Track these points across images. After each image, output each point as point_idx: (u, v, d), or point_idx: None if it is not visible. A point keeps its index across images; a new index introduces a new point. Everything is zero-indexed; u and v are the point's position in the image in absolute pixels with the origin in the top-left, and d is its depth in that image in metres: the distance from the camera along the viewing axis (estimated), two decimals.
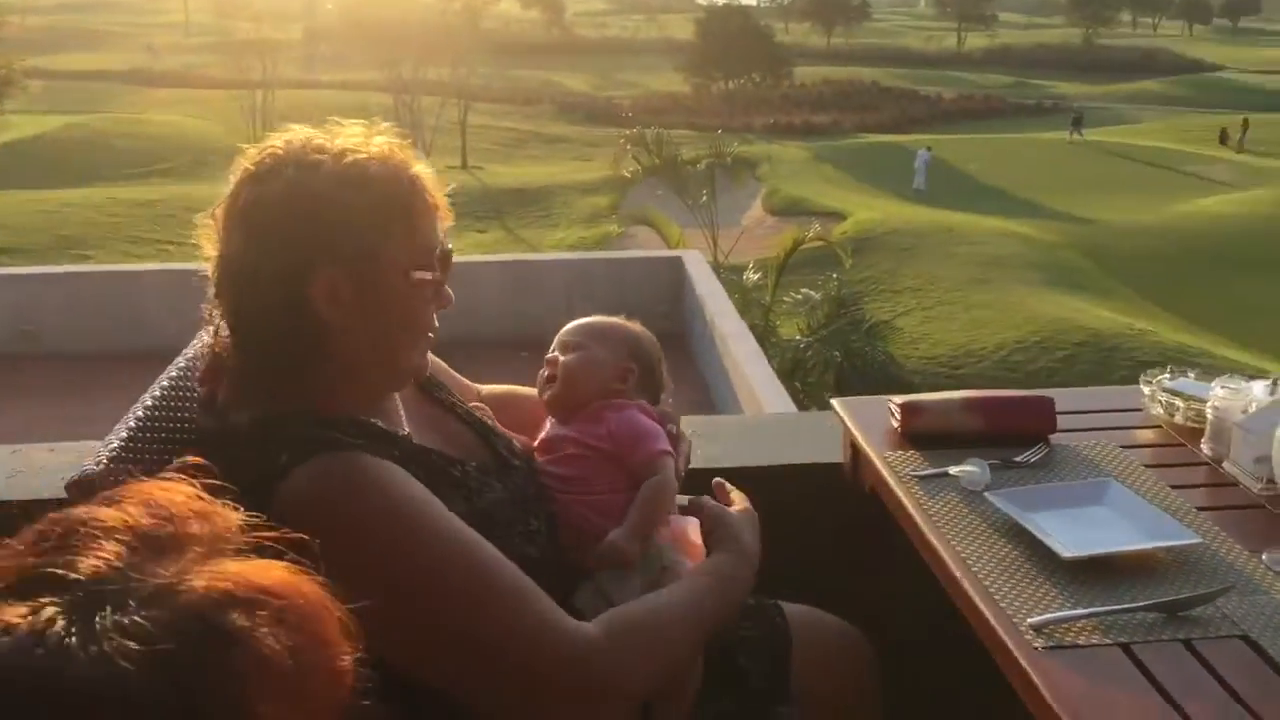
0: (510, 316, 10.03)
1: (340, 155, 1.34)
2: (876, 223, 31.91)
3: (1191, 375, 2.01)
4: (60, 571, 0.56)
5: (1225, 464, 1.79)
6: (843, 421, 2.03)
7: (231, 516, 0.64)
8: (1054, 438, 1.89)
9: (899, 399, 1.93)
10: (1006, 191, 39.18)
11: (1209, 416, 1.84)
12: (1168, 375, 2.00)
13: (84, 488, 1.33)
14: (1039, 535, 1.56)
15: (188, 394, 1.51)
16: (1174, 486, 1.75)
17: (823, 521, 2.08)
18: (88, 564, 0.56)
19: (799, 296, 15.94)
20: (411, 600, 1.26)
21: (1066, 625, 1.41)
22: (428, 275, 1.41)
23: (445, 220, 1.42)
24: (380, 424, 1.39)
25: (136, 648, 0.52)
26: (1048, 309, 24.96)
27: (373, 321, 1.38)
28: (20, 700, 0.50)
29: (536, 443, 1.66)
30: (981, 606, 1.47)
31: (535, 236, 32.28)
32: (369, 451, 1.30)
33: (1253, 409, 1.79)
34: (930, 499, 1.72)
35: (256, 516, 1.13)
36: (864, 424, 1.98)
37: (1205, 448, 1.84)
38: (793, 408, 8.55)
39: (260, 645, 0.55)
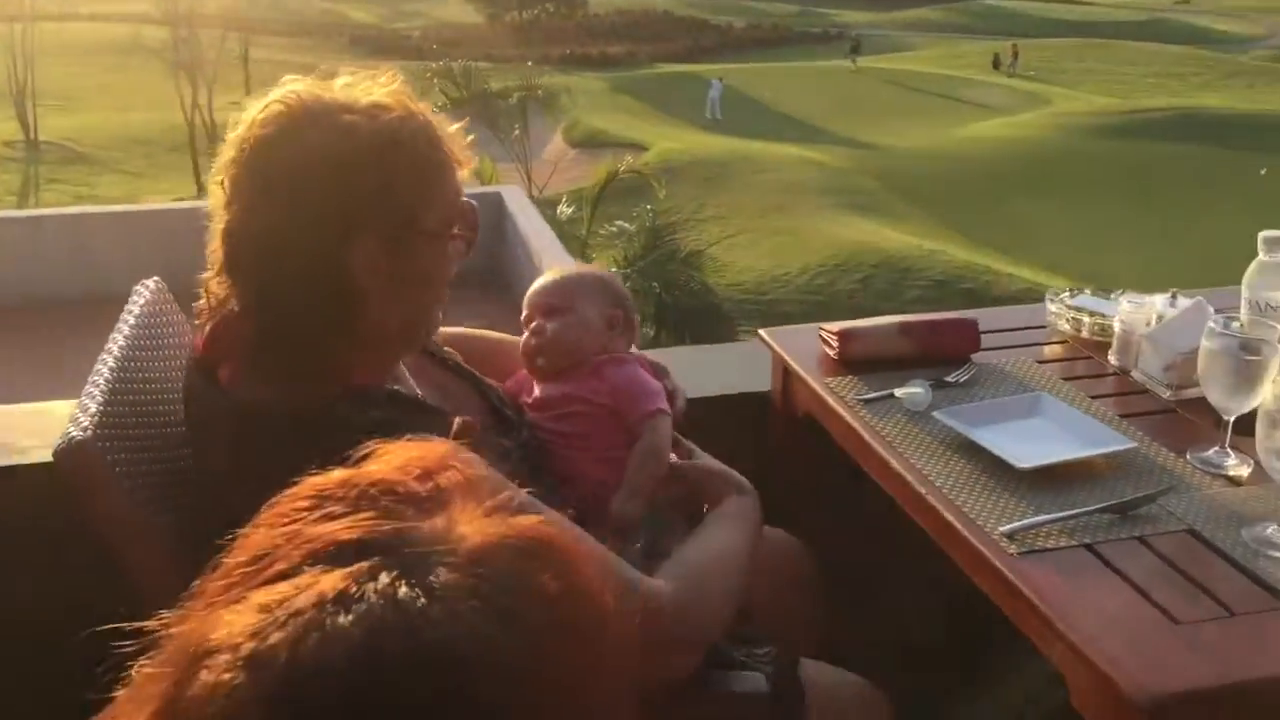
0: None
1: (372, 115, 1.27)
2: (678, 153, 32.22)
3: (1088, 291, 2.15)
4: (377, 536, 0.54)
5: (1134, 373, 1.93)
6: (771, 351, 2.09)
7: (483, 470, 0.63)
8: (976, 357, 1.99)
9: (832, 326, 2.00)
10: (798, 119, 40.14)
11: (1116, 330, 1.97)
12: (1068, 293, 2.13)
13: (74, 455, 1.25)
14: (992, 449, 1.66)
15: (151, 354, 1.44)
16: (1092, 396, 1.89)
17: (756, 448, 2.14)
18: (392, 526, 0.54)
19: (614, 229, 16.03)
20: None
21: (1034, 531, 1.50)
22: (461, 234, 1.38)
23: (466, 170, 1.38)
24: (404, 392, 1.36)
25: (478, 605, 0.51)
26: (845, 233, 25.85)
27: (407, 287, 1.33)
28: (395, 670, 0.48)
29: (531, 400, 1.64)
30: (952, 519, 1.55)
31: None
32: (410, 429, 1.25)
33: (1155, 321, 1.94)
34: (879, 421, 1.80)
35: None
36: (794, 352, 2.04)
37: (1113, 359, 1.98)
38: None
39: (558, 593, 0.55)
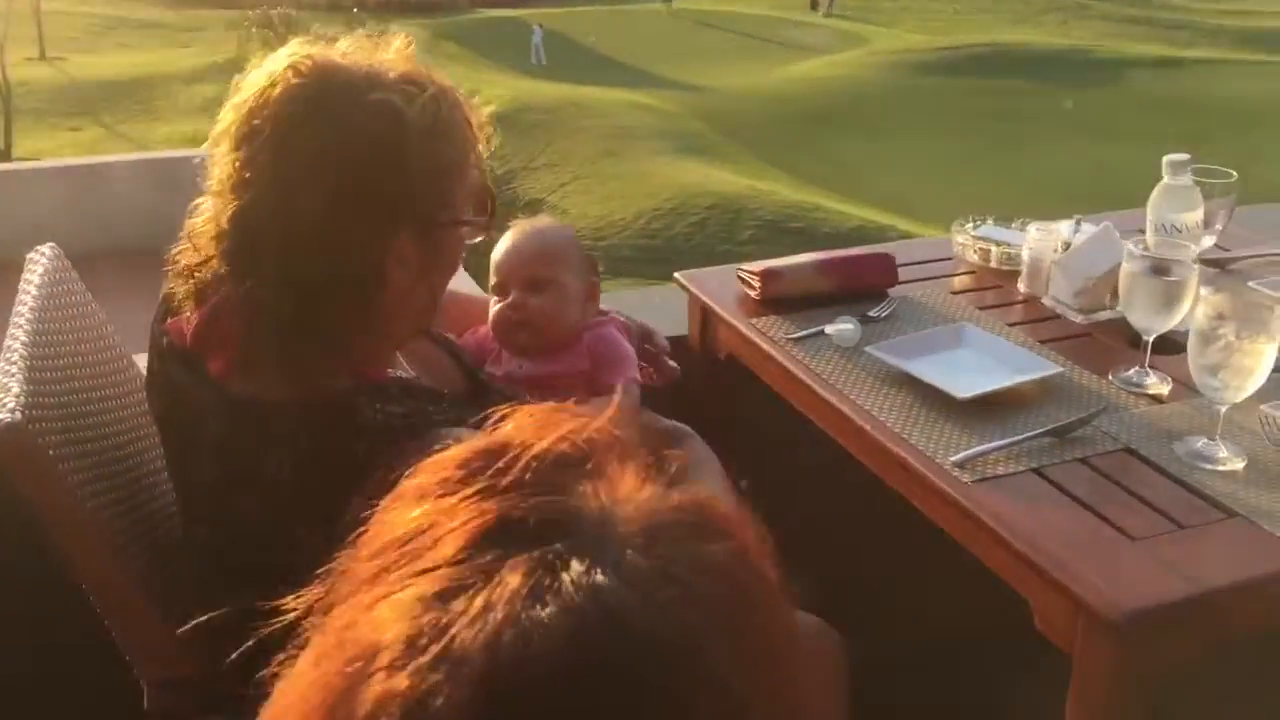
0: (152, 220, 9.28)
1: (408, 94, 1.17)
2: (508, 100, 31.76)
3: (990, 221, 2.19)
4: (548, 513, 0.48)
5: (1045, 299, 1.98)
6: (689, 293, 2.06)
7: (624, 429, 0.57)
8: (891, 291, 2.01)
9: (752, 266, 1.98)
10: (624, 63, 40.04)
11: (1024, 258, 2.01)
12: (972, 224, 2.17)
13: (6, 439, 1.14)
14: (930, 381, 1.67)
15: (62, 331, 1.32)
16: (1009, 324, 1.92)
17: (675, 393, 2.12)
18: (559, 500, 0.49)
19: None
20: None
21: (983, 459, 1.53)
22: (483, 219, 1.31)
23: (486, 147, 1.28)
24: (411, 379, 1.28)
25: (675, 592, 0.46)
26: (677, 176, 26.00)
27: (429, 275, 1.26)
28: (606, 668, 0.43)
29: (503, 373, 1.57)
30: (901, 453, 1.56)
31: (141, 132, 29.69)
32: (439, 421, 1.18)
33: (1061, 248, 1.99)
34: (811, 359, 1.79)
35: None
36: (713, 294, 2.02)
37: (1022, 286, 2.03)
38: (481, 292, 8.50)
39: (729, 564, 0.51)
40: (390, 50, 1.22)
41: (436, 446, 1.10)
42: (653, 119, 31.22)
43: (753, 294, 1.96)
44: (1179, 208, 1.89)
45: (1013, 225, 2.17)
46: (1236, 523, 1.41)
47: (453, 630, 0.44)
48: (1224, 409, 1.53)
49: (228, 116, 1.18)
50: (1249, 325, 1.45)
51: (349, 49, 1.21)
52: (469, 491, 0.50)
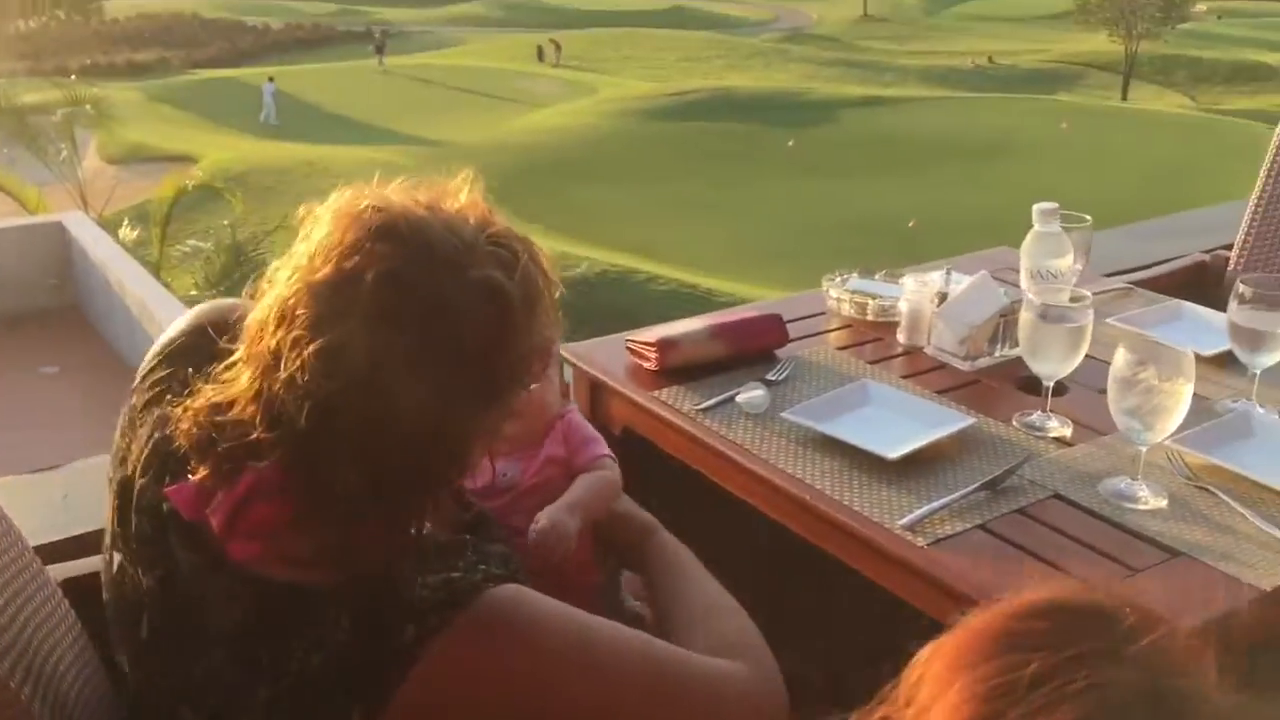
0: None
1: (503, 262, 1.06)
2: (233, 162, 30.71)
3: (855, 275, 2.21)
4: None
5: (927, 349, 2.01)
6: (574, 367, 1.98)
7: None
8: (779, 351, 1.99)
9: (643, 335, 1.92)
10: (356, 120, 39.46)
11: (903, 309, 2.04)
12: (840, 278, 2.19)
13: None
14: (855, 443, 1.65)
15: None
16: (903, 377, 1.94)
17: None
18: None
19: (188, 249, 14.91)
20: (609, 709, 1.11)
21: (929, 520, 1.52)
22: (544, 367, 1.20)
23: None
24: (430, 532, 1.12)
25: None
26: None
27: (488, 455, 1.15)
28: None
29: (497, 487, 1.43)
30: (847, 519, 1.53)
31: None
32: (479, 582, 1.07)
33: (934, 300, 2.02)
34: (726, 428, 1.75)
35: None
36: (602, 367, 1.95)
37: (901, 337, 2.05)
38: None
39: None
40: (457, 195, 1.10)
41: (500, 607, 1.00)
42: (393, 175, 30.82)
43: (647, 365, 1.90)
44: (1051, 254, 1.96)
45: (876, 277, 2.21)
46: (1181, 561, 1.45)
47: None
48: (1144, 449, 1.57)
49: (296, 278, 1.02)
50: (1166, 369, 1.51)
51: (416, 193, 1.08)
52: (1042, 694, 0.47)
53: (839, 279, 2.18)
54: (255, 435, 1.02)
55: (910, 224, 24.50)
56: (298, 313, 1.00)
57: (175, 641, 1.10)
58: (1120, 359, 1.54)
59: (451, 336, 1.02)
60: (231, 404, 1.04)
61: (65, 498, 1.94)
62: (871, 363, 1.99)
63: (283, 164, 30.55)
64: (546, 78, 48.32)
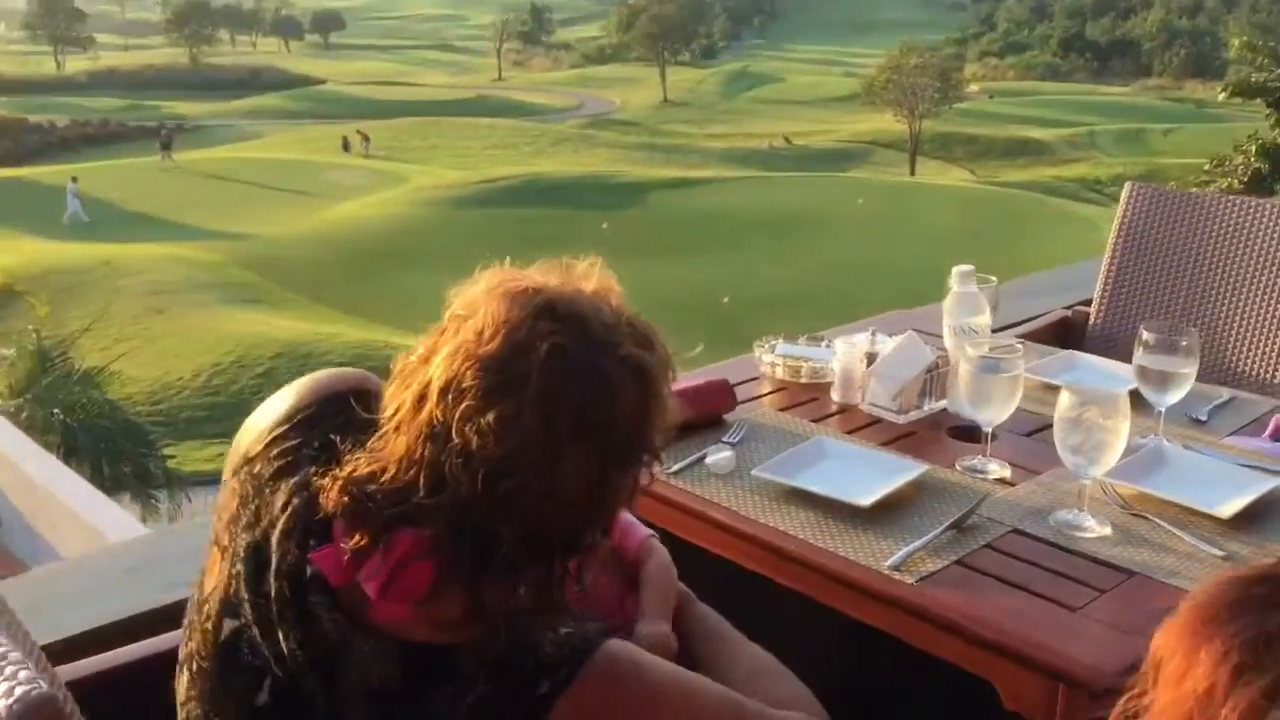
0: None
1: (642, 344, 1.15)
2: (25, 266, 29.35)
3: (781, 340, 2.35)
4: None
5: (862, 406, 2.15)
6: None
7: None
8: (728, 416, 2.10)
9: None
10: (155, 217, 38.24)
11: (836, 370, 2.18)
12: (769, 344, 2.32)
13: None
14: (827, 494, 1.77)
15: None
16: (847, 432, 2.07)
17: None
18: None
19: None
20: None
21: (911, 560, 1.64)
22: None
23: None
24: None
25: None
26: (234, 328, 25.08)
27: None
28: None
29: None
30: (837, 566, 1.64)
31: None
32: (594, 632, 1.14)
33: (864, 359, 2.17)
34: (700, 488, 1.84)
35: None
36: None
37: (836, 395, 2.19)
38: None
39: None
40: (589, 277, 1.18)
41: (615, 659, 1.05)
42: (198, 272, 29.94)
43: None
44: (970, 312, 2.14)
45: (800, 341, 2.35)
46: (1136, 580, 1.61)
47: None
48: (1088, 482, 1.74)
49: (457, 353, 1.09)
50: (1107, 409, 1.68)
51: (555, 275, 1.16)
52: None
53: (768, 345, 2.31)
54: (416, 500, 1.06)
55: (725, 300, 25.27)
56: (465, 385, 1.06)
57: (301, 708, 1.11)
58: (1064, 401, 1.70)
59: (608, 409, 1.10)
60: (384, 471, 1.07)
61: None
62: (814, 421, 2.11)
63: (81, 264, 29.33)
64: (354, 168, 47.98)
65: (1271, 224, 2.77)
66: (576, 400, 1.08)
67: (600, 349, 1.11)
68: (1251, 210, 2.83)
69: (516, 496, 1.07)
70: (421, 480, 1.07)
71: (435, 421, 1.07)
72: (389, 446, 1.10)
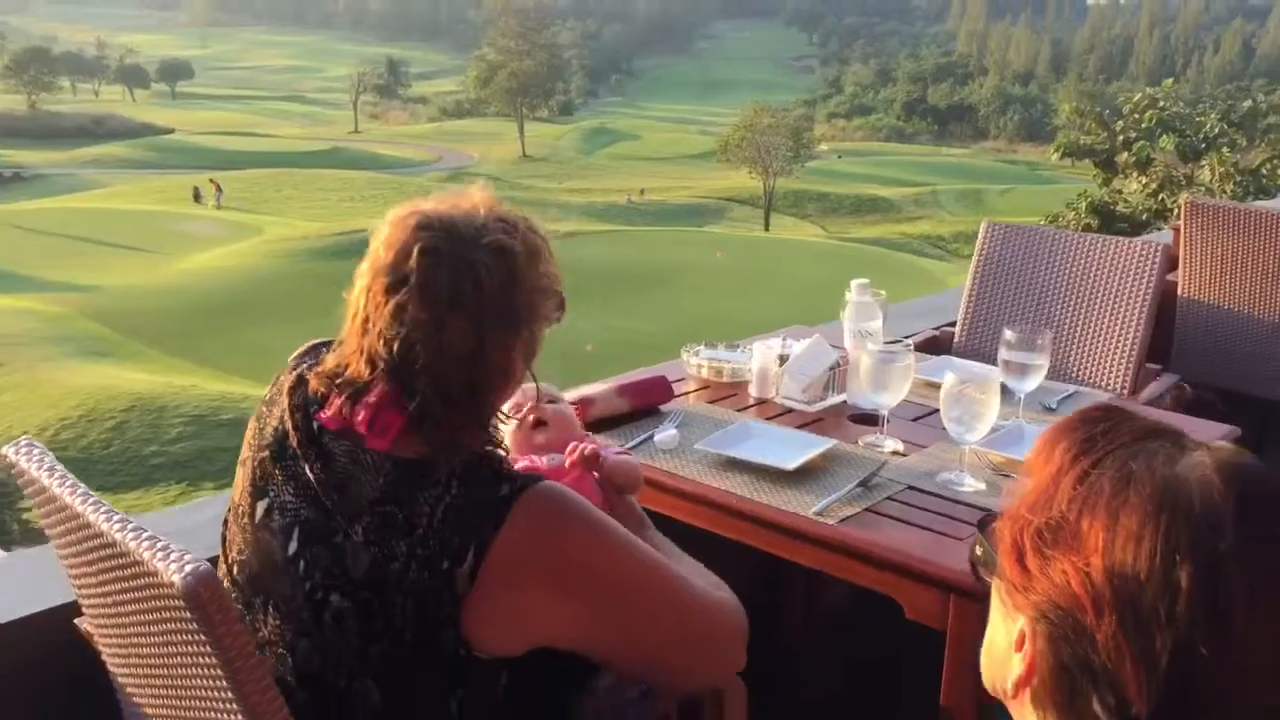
0: None
1: (508, 231, 1.47)
2: None
3: (703, 347, 2.72)
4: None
5: (776, 399, 2.53)
6: None
7: None
8: (664, 406, 2.45)
9: (569, 395, 2.32)
10: None
11: (754, 369, 2.56)
12: (700, 348, 2.69)
13: (205, 583, 1.24)
14: (759, 461, 2.13)
15: None
16: (767, 419, 2.44)
17: None
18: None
19: None
20: (627, 596, 1.51)
21: (831, 508, 2.01)
22: (561, 313, 1.60)
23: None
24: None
25: None
26: (82, 381, 24.33)
27: (530, 362, 1.56)
28: None
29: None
30: (773, 515, 2.00)
31: None
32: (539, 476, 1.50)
33: (777, 360, 2.55)
34: (649, 461, 2.18)
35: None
36: None
37: (753, 391, 2.56)
38: None
39: None
40: (475, 195, 1.52)
41: (558, 489, 1.38)
42: (39, 324, 28.99)
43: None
44: (866, 318, 2.55)
45: (719, 347, 2.72)
46: None
47: None
48: (966, 450, 2.15)
49: (379, 270, 1.43)
50: (981, 386, 2.09)
51: (444, 202, 1.50)
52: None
53: (693, 350, 2.68)
54: (369, 377, 1.45)
55: (589, 348, 25.70)
56: (373, 288, 1.44)
57: (322, 540, 1.43)
58: (949, 381, 2.11)
59: (476, 284, 1.42)
60: (345, 363, 1.47)
61: None
62: (740, 410, 2.48)
63: None
64: (207, 219, 47.07)
65: (1101, 254, 3.28)
66: (447, 284, 1.41)
67: (467, 243, 1.44)
68: (1086, 243, 3.33)
69: (420, 361, 1.42)
70: (364, 362, 1.45)
71: (364, 320, 1.44)
72: (344, 346, 1.49)
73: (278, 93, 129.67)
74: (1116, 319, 3.20)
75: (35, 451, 1.58)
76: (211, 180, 53.25)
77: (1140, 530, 0.84)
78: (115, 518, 1.40)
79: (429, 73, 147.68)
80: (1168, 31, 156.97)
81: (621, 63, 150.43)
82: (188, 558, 1.29)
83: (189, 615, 1.29)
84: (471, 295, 1.42)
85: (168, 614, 1.35)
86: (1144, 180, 16.27)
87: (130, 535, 1.36)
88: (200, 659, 1.34)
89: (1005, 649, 0.96)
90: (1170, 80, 19.39)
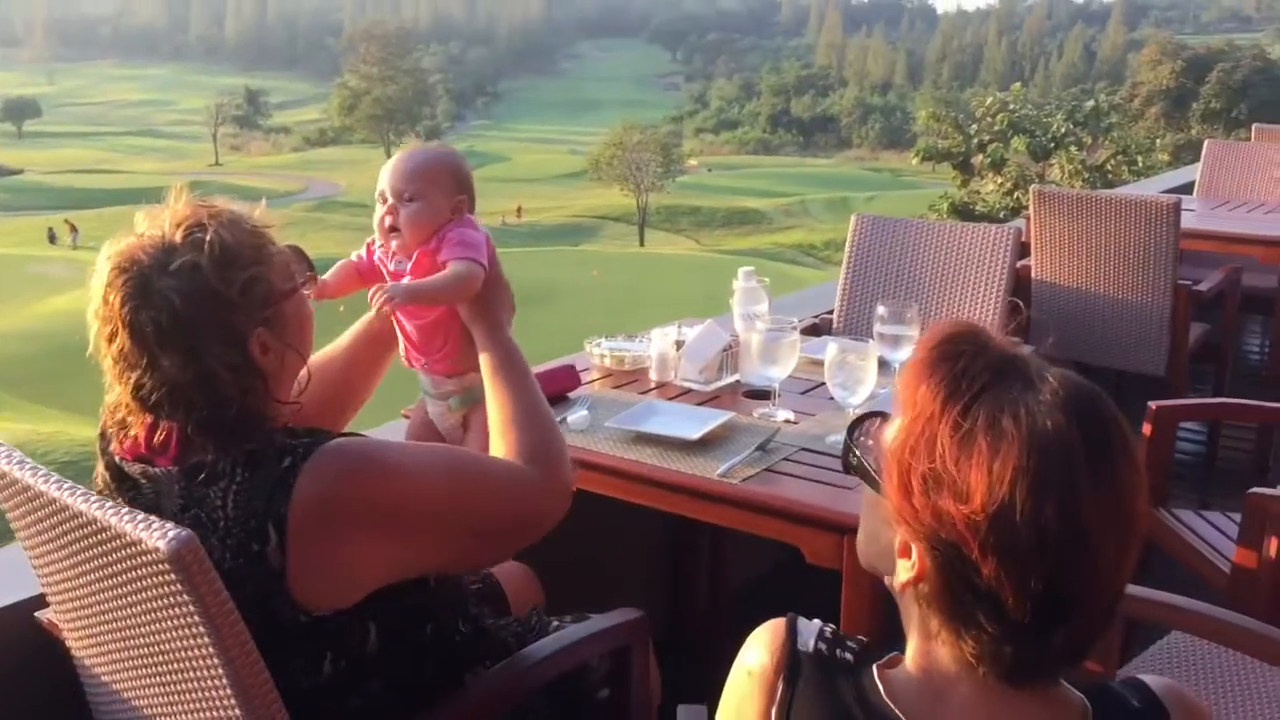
0: None
1: (194, 245, 1.54)
2: None
3: (604, 339, 2.91)
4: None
5: (675, 380, 2.73)
6: None
7: None
8: (573, 394, 2.64)
9: None
10: None
11: (653, 355, 2.76)
12: (601, 340, 2.87)
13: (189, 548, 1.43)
14: (665, 433, 2.33)
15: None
16: (669, 399, 2.64)
17: None
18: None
19: None
20: (433, 521, 1.64)
21: (733, 470, 2.21)
22: (305, 276, 1.69)
23: (276, 226, 1.67)
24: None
25: None
26: None
27: (290, 343, 1.64)
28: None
29: (394, 273, 1.98)
30: (680, 480, 2.20)
31: None
32: (334, 435, 1.61)
33: (675, 346, 2.76)
34: (569, 437, 2.36)
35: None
36: None
37: (653, 375, 2.76)
38: None
39: None
40: (175, 202, 1.60)
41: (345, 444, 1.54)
42: None
43: None
44: (753, 302, 2.77)
45: (618, 338, 2.92)
46: None
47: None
48: (850, 410, 2.37)
49: (99, 322, 1.56)
50: (861, 354, 2.32)
51: (144, 225, 1.59)
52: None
53: (596, 342, 2.87)
54: (128, 412, 1.59)
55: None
56: (98, 336, 1.57)
57: None
58: (832, 350, 2.34)
59: (173, 314, 1.52)
60: (116, 400, 1.61)
61: None
62: (643, 393, 2.68)
63: None
64: (63, 260, 45.56)
65: (960, 240, 3.57)
66: (149, 321, 1.52)
67: (155, 273, 1.53)
68: (946, 230, 3.63)
69: (155, 395, 1.55)
70: (127, 399, 1.57)
71: (103, 362, 1.58)
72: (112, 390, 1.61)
73: (131, 127, 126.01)
74: (977, 297, 3.50)
75: (1, 449, 1.67)
76: (66, 220, 51.64)
77: (1014, 478, 1.00)
78: (92, 498, 1.53)
79: (290, 102, 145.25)
80: (1014, 39, 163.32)
81: (487, 85, 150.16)
82: (169, 526, 1.42)
83: (174, 578, 1.42)
84: (171, 326, 1.52)
85: (149, 581, 1.47)
86: (999, 180, 17.09)
87: (110, 512, 1.48)
88: (183, 622, 1.47)
89: (888, 547, 1.12)
90: (1018, 84, 20.36)
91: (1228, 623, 2.06)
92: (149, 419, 1.57)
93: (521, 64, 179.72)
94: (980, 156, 17.21)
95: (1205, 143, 6.26)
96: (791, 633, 1.18)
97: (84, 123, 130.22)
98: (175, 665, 1.55)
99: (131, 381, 1.54)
